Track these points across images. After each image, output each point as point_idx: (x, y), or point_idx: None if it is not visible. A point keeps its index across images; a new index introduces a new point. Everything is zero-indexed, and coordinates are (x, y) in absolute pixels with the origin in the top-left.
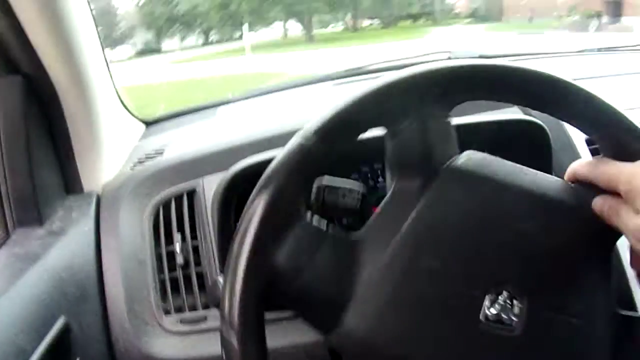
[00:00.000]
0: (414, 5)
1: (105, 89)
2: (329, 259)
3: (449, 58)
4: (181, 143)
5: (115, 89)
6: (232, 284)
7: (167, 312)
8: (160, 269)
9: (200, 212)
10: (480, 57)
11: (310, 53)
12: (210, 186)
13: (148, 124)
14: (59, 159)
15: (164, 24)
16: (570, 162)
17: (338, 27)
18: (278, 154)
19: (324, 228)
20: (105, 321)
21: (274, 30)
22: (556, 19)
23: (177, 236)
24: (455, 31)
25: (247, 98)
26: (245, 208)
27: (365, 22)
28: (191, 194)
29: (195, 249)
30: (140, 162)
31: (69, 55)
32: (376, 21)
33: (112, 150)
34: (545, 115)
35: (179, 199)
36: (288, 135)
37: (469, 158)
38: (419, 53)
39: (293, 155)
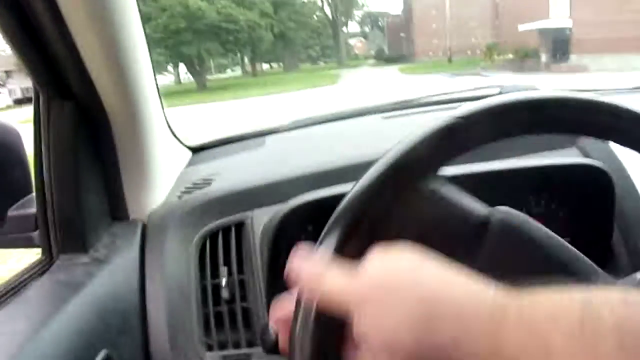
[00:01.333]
0: (313, 47)
1: (155, 115)
2: None
3: (500, 92)
4: (230, 173)
5: (165, 115)
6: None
7: (209, 348)
8: (204, 303)
9: (248, 246)
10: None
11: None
12: (260, 219)
13: (194, 150)
14: (106, 186)
15: None
16: (633, 209)
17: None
18: (347, 194)
19: None
20: (146, 354)
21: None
22: (483, 59)
23: (223, 270)
24: (366, 74)
25: (295, 128)
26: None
27: (265, 66)
28: (240, 226)
29: (242, 284)
30: (188, 190)
31: (123, 82)
32: (275, 65)
33: (159, 177)
34: (606, 158)
35: (226, 231)
36: (339, 171)
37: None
38: (468, 88)
39: (361, 197)
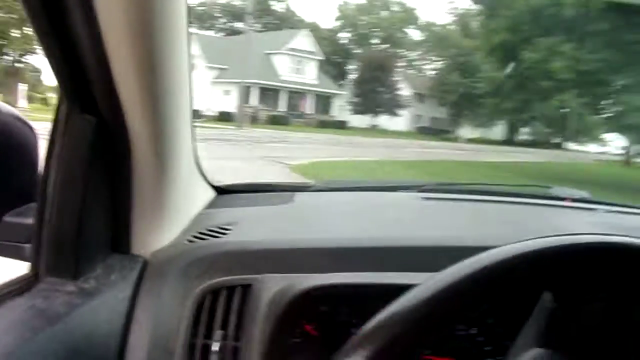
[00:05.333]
0: None
1: (183, 146)
2: None
3: (549, 193)
4: (250, 226)
5: (195, 148)
6: None
7: None
8: None
9: (251, 312)
10: (583, 199)
11: None
12: (270, 286)
13: (219, 191)
14: (113, 212)
15: (459, 101)
16: None
17: None
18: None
19: None
20: None
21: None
22: None
23: (218, 333)
24: None
25: (327, 190)
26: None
27: None
28: (246, 288)
29: (235, 352)
30: (201, 236)
31: (153, 106)
32: None
33: (174, 213)
34: None
35: (231, 290)
36: (367, 251)
37: None
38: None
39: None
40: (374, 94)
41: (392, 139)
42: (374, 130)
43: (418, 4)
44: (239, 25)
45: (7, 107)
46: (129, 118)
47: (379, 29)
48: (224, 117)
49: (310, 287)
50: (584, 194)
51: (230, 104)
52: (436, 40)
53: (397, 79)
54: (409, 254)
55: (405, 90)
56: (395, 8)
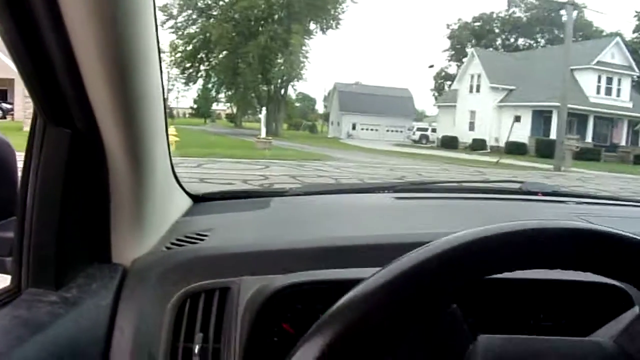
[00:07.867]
0: None
1: (159, 157)
2: None
3: (520, 189)
4: (226, 231)
5: (170, 158)
6: None
7: None
8: None
9: (230, 314)
10: (554, 193)
11: None
12: (248, 288)
13: (195, 199)
14: (92, 223)
15: None
16: None
17: None
18: (356, 288)
19: None
20: None
21: None
22: None
23: (199, 336)
24: None
25: (303, 194)
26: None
27: None
28: (224, 291)
29: (216, 353)
30: (179, 243)
31: (127, 119)
32: None
33: (152, 222)
34: None
35: (210, 294)
36: (340, 250)
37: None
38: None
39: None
40: None
41: None
42: None
43: None
44: (521, 40)
45: None
46: (104, 129)
47: None
48: (516, 149)
49: (284, 285)
50: (554, 187)
51: (521, 132)
52: None
53: None
54: (381, 250)
55: None
56: None
